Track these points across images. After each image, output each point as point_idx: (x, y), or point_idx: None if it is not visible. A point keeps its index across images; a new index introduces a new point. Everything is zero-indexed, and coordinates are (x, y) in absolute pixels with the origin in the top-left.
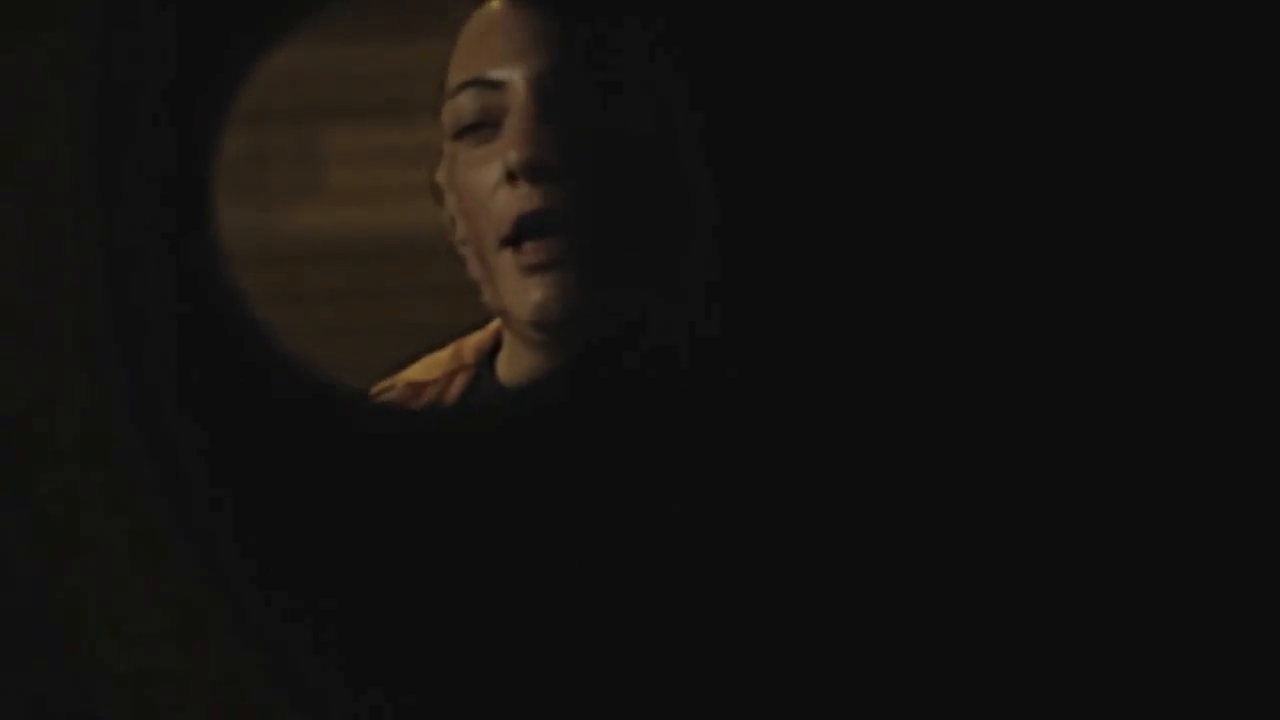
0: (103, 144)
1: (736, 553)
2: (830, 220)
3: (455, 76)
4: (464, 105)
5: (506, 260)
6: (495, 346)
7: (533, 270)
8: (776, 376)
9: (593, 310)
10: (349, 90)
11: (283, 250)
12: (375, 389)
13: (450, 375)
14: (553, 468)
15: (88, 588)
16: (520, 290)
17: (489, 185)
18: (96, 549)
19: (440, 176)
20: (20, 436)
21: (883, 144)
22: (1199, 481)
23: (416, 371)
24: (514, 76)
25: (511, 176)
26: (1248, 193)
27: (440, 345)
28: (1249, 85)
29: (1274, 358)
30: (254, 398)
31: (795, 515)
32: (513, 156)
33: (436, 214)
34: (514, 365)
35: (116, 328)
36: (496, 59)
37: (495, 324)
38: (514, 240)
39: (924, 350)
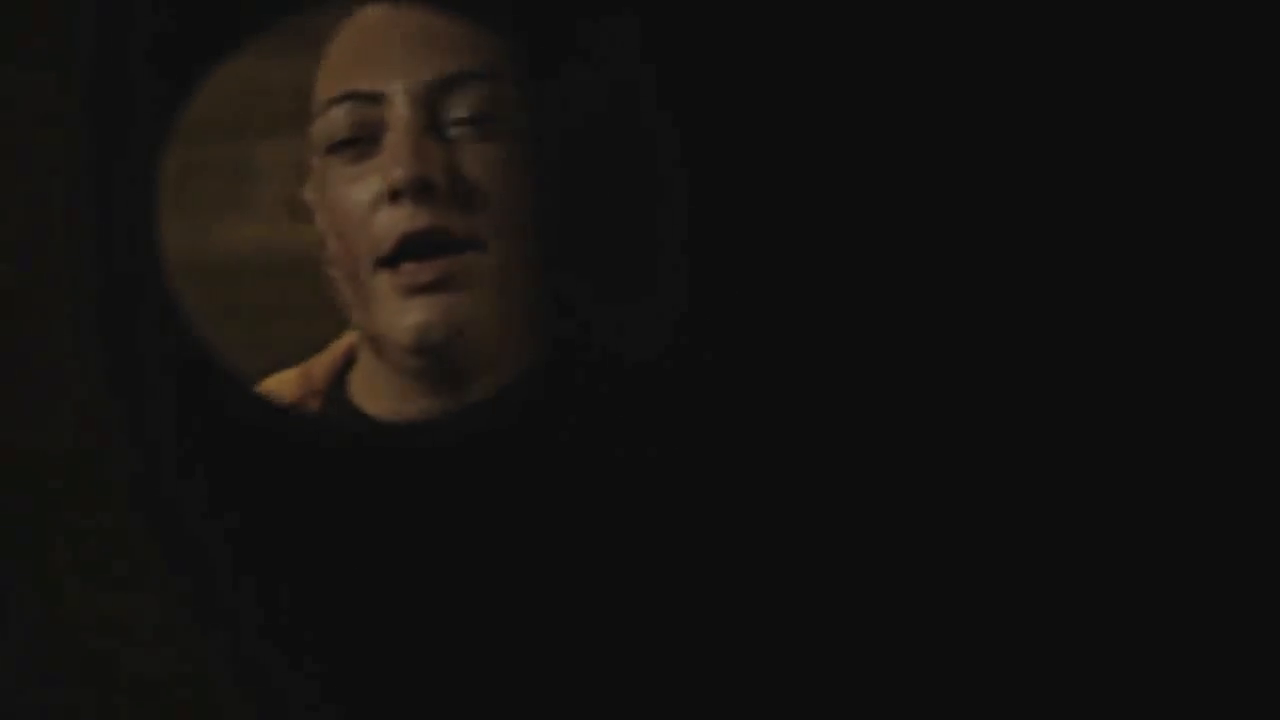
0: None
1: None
2: (778, 230)
3: (327, 89)
4: (338, 120)
5: (384, 282)
6: (346, 367)
7: (413, 292)
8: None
9: (476, 334)
10: (284, 104)
11: (216, 264)
12: None
13: (301, 401)
14: (505, 486)
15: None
16: (398, 313)
17: (366, 203)
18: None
19: (309, 194)
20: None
21: (828, 155)
22: (1198, 481)
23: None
24: (394, 89)
25: (395, 195)
26: (1247, 193)
27: None
28: (1249, 85)
29: (1274, 358)
30: (196, 414)
31: (757, 534)
32: (396, 174)
33: None
34: (373, 390)
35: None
36: (373, 70)
37: (344, 343)
38: (393, 261)
39: (899, 361)
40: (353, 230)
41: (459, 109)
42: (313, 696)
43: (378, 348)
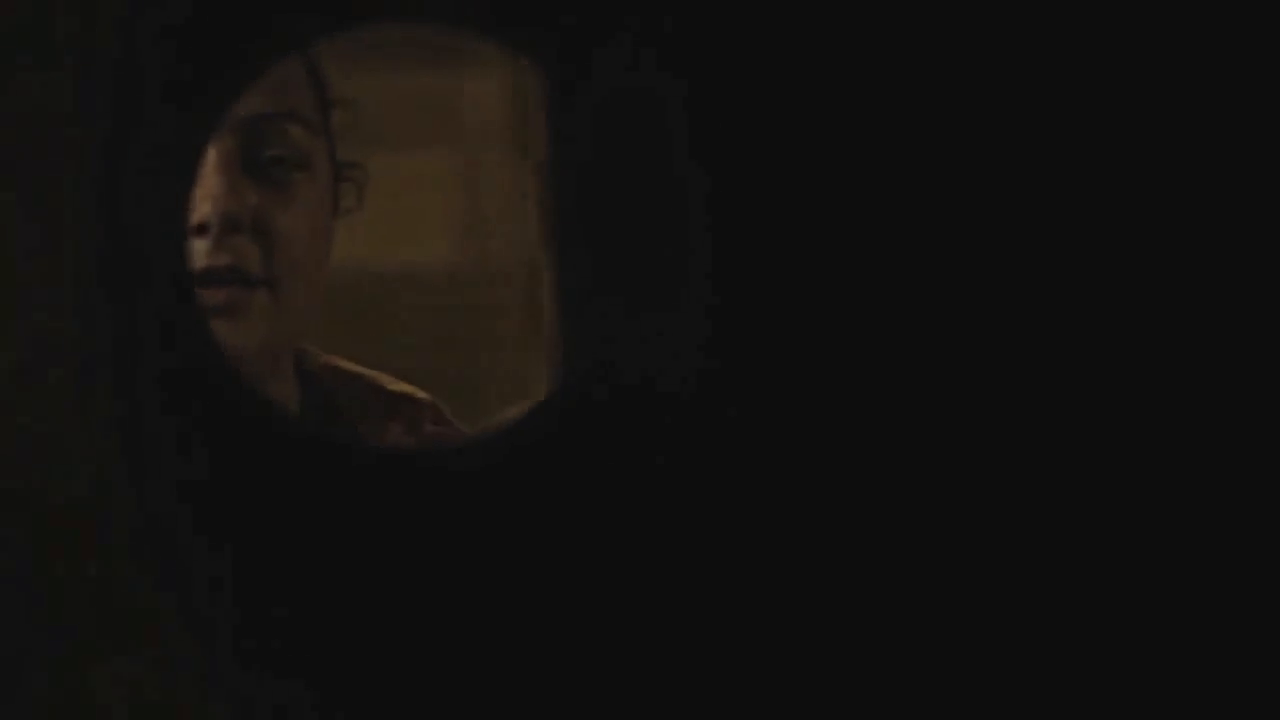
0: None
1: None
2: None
3: None
4: None
5: None
6: None
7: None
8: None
9: (252, 362)
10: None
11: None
12: None
13: None
14: (530, 508)
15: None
16: None
17: None
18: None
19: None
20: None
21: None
22: (1199, 482)
23: None
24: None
25: (200, 229)
26: (1248, 193)
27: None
28: (1249, 85)
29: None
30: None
31: (783, 552)
32: (205, 209)
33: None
34: None
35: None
36: None
37: None
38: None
39: (926, 378)
40: None
41: (271, 148)
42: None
43: None
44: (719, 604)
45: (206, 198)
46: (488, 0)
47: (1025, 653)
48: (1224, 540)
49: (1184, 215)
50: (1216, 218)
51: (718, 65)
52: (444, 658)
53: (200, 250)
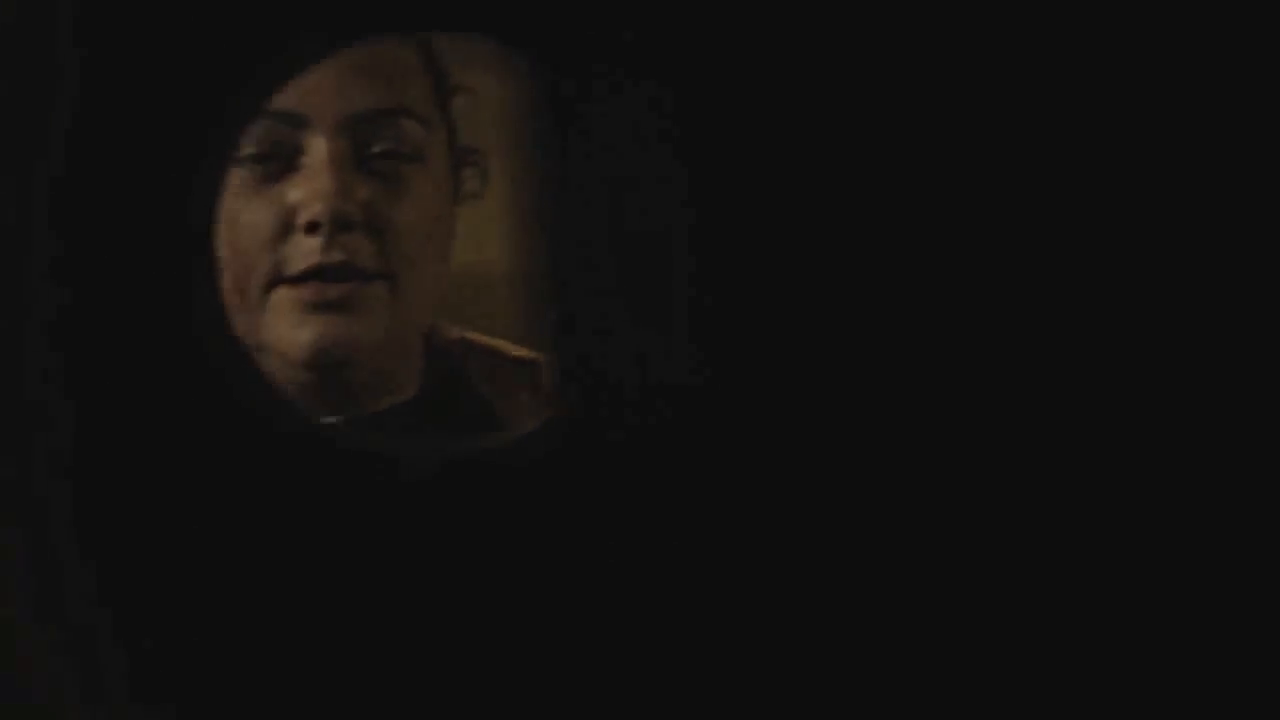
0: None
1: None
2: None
3: None
4: (254, 134)
5: (282, 296)
6: None
7: (314, 309)
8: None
9: (371, 355)
10: None
11: None
12: None
13: None
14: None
15: None
16: (295, 327)
17: (271, 224)
18: None
19: None
20: None
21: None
22: (1199, 482)
23: None
24: (319, 116)
25: (312, 228)
26: (1248, 193)
27: None
28: (1249, 85)
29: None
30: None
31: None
32: (317, 209)
33: None
34: None
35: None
36: (302, 93)
37: None
38: (297, 279)
39: (917, 386)
40: (252, 248)
41: (381, 143)
42: None
43: (262, 358)
44: (731, 611)
45: (317, 197)
46: (487, 8)
47: (1025, 652)
48: (1224, 540)
49: (1182, 215)
50: (1216, 218)
51: (716, 78)
52: (458, 678)
53: (312, 248)
